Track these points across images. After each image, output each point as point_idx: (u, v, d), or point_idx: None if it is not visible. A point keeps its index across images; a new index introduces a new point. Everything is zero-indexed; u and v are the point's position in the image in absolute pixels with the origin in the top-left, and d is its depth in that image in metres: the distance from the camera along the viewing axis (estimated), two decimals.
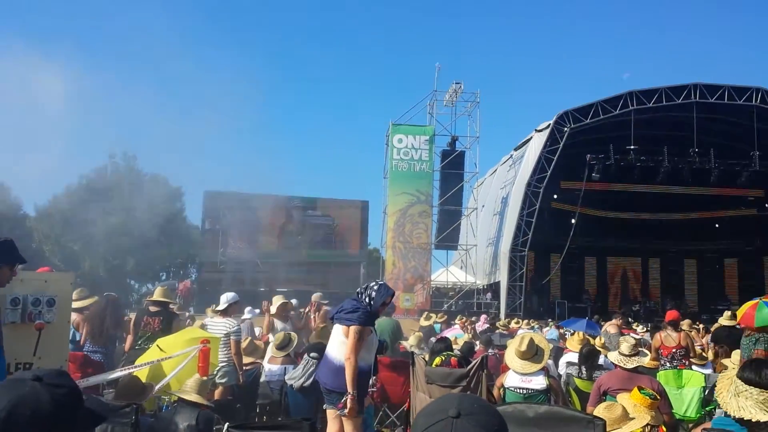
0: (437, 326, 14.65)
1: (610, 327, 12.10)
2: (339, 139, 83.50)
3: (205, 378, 4.68)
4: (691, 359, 7.90)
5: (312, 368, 5.96)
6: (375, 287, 4.87)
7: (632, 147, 21.89)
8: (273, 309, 8.71)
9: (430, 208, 23.45)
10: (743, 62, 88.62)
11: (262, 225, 23.71)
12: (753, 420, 2.43)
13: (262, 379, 7.13)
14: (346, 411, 4.51)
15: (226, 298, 7.25)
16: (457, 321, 15.02)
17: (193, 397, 4.40)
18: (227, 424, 3.75)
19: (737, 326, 8.81)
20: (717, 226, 29.13)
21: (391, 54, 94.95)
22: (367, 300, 4.79)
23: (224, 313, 7.14)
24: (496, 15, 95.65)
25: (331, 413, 4.81)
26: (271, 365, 7.21)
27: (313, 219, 24.39)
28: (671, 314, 8.61)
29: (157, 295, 7.00)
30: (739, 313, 6.12)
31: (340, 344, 4.72)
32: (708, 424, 2.73)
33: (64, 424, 1.29)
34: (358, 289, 5.00)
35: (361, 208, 24.99)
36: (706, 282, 29.43)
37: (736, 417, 2.49)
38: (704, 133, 22.60)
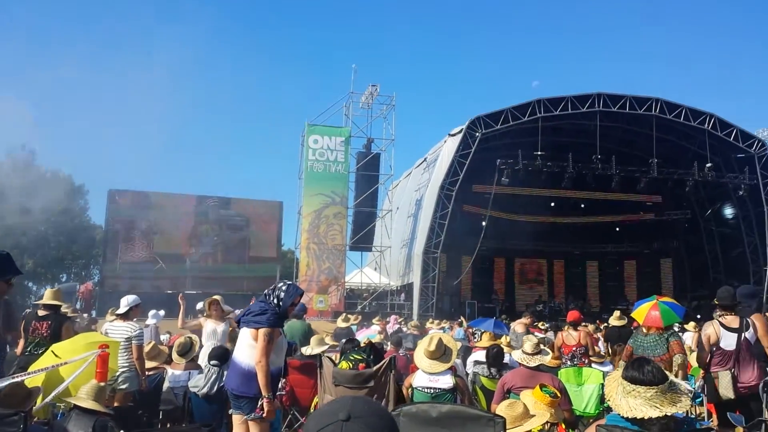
0: (353, 328, 14.62)
1: (518, 326, 12.44)
2: (254, 138, 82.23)
3: (102, 384, 4.41)
4: (590, 357, 8.26)
5: (214, 375, 5.78)
6: (283, 287, 4.75)
7: (540, 153, 22.67)
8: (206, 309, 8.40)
9: (345, 210, 23.41)
10: (644, 74, 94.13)
11: (171, 225, 22.81)
12: (645, 418, 2.51)
13: (166, 384, 6.86)
14: (264, 414, 4.41)
15: (126, 301, 6.92)
16: (376, 321, 15.06)
17: (89, 404, 4.14)
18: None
19: (633, 327, 9.34)
20: (618, 229, 30.73)
21: (308, 54, 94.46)
22: (275, 301, 4.67)
23: (125, 316, 6.81)
24: (413, 20, 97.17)
25: (237, 419, 4.69)
26: (174, 371, 6.95)
27: (227, 219, 23.75)
28: (572, 314, 8.96)
29: (47, 298, 6.59)
30: (638, 315, 6.37)
31: (248, 348, 4.59)
32: (603, 420, 2.82)
33: None
34: (266, 291, 4.87)
35: (275, 209, 24.56)
36: (607, 283, 31.00)
37: (629, 417, 2.57)
38: (607, 141, 23.74)
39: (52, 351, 5.48)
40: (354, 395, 1.41)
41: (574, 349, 8.23)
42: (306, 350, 7.66)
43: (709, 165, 23.74)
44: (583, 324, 10.72)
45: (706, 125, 23.59)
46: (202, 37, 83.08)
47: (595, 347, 8.66)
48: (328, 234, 22.82)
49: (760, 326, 6.18)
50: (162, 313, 12.53)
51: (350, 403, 1.27)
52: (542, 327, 15.56)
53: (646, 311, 6.21)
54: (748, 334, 5.61)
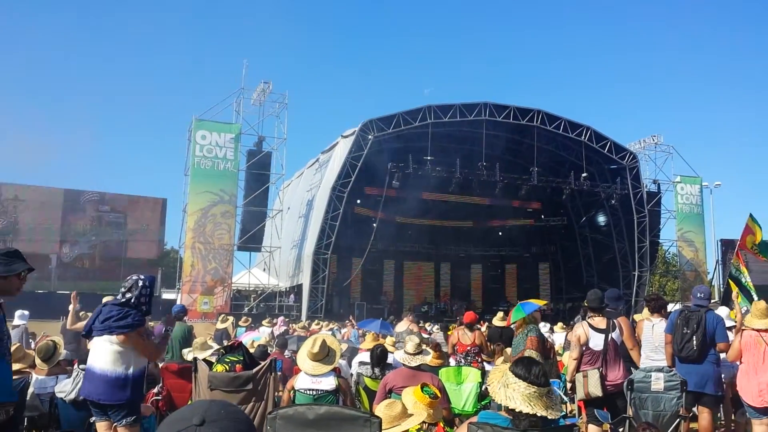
0: (241, 329, 14.28)
1: (400, 326, 12.61)
2: (139, 133, 78.45)
3: None
4: (483, 356, 8.54)
5: (82, 380, 5.43)
6: (140, 283, 4.61)
7: (429, 158, 23.22)
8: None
9: (234, 209, 22.76)
10: (527, 85, 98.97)
11: (34, 221, 21.17)
12: (517, 410, 2.62)
13: (31, 390, 6.37)
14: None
15: None
16: (266, 323, 14.79)
17: None
18: None
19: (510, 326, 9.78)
20: (500, 234, 32.04)
21: (198, 46, 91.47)
22: (135, 300, 4.53)
23: None
24: (309, 20, 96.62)
25: (103, 425, 4.52)
26: (39, 376, 6.47)
27: (104, 215, 22.48)
28: (469, 315, 9.22)
29: None
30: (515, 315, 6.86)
31: (113, 353, 4.44)
32: (475, 418, 2.90)
33: None
34: (121, 290, 4.63)
35: (157, 206, 23.43)
36: (490, 285, 32.24)
37: (503, 406, 2.67)
38: (492, 149, 24.68)
39: None
40: (211, 399, 1.35)
41: (468, 348, 8.48)
42: (186, 353, 7.36)
43: (584, 175, 25.28)
44: (479, 324, 11.10)
45: (583, 137, 25.11)
46: (84, 23, 78.38)
47: (489, 347, 8.96)
48: (215, 233, 22.07)
49: (625, 328, 6.65)
50: (27, 313, 11.67)
51: (205, 407, 1.23)
52: (427, 327, 15.90)
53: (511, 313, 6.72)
54: (614, 335, 6.00)
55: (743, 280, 10.24)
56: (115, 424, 4.48)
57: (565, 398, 6.32)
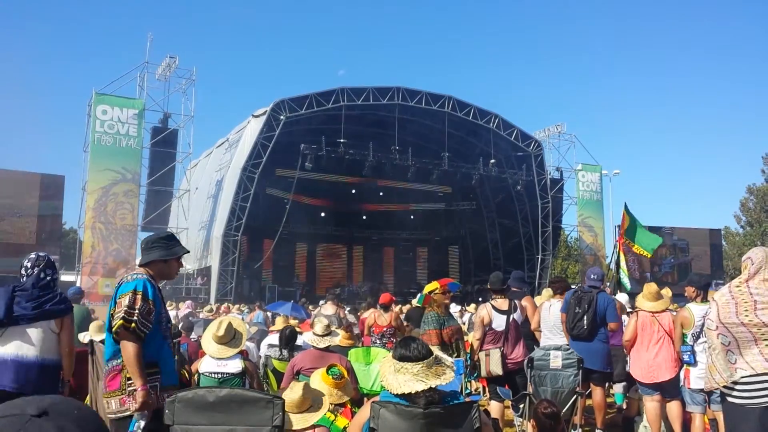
0: None
1: (326, 309, 12.55)
2: (33, 106, 73.64)
3: None
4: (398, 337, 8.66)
5: None
6: (50, 258, 4.37)
7: (342, 140, 23.18)
8: None
9: (138, 188, 21.79)
10: (438, 71, 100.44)
11: None
12: (413, 392, 2.65)
13: None
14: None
15: None
16: (169, 307, 14.27)
17: None
18: None
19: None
20: (412, 217, 32.53)
21: (100, 16, 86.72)
22: (52, 274, 4.29)
23: None
24: None
25: None
26: None
27: None
28: (385, 297, 9.29)
29: None
30: (431, 286, 7.11)
31: (50, 340, 4.11)
32: (377, 397, 2.92)
33: None
34: (34, 265, 4.24)
35: (42, 182, 21.67)
36: (402, 267, 32.73)
37: (398, 394, 2.69)
38: (405, 133, 24.94)
39: None
40: (70, 398, 1.19)
41: (384, 329, 8.56)
42: (83, 337, 7.00)
43: (492, 161, 26.03)
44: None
45: (492, 125, 25.79)
46: None
47: (405, 328, 9.06)
48: (117, 213, 21.06)
49: (529, 307, 6.91)
50: None
51: (56, 401, 1.07)
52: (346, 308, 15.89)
53: (434, 283, 6.89)
54: (516, 315, 6.23)
55: (622, 265, 10.95)
56: None
57: (471, 375, 6.51)
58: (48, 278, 4.25)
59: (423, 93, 24.78)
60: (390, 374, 2.76)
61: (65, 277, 22.45)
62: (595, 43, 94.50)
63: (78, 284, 16.49)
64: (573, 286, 7.33)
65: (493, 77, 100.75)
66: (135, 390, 3.30)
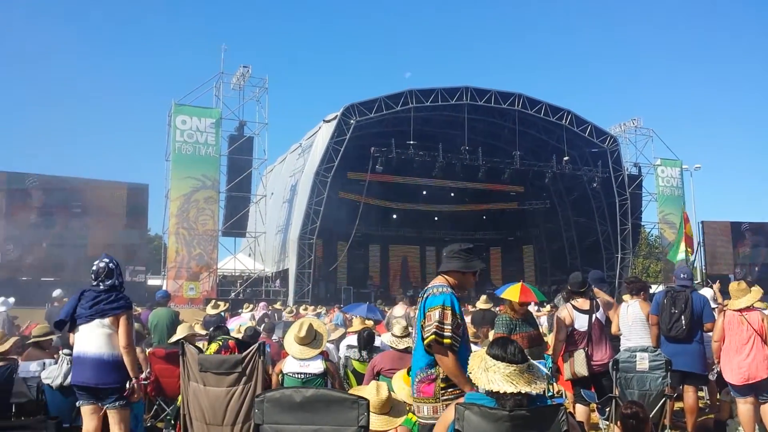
0: (222, 315, 14.27)
1: (397, 310, 12.66)
2: (117, 118, 77.48)
3: None
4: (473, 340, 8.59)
5: (68, 365, 5.43)
6: (112, 264, 4.68)
7: (412, 142, 23.24)
8: None
9: (217, 194, 22.59)
10: (508, 69, 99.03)
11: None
12: (501, 391, 2.66)
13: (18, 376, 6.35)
14: (136, 397, 4.54)
15: None
16: (246, 309, 14.73)
17: None
18: None
19: (498, 311, 9.85)
20: (484, 217, 32.19)
21: (177, 31, 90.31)
22: (116, 281, 4.63)
23: None
24: (286, 4, 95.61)
25: (90, 410, 4.57)
26: (27, 361, 6.46)
27: (54, 204, 21.50)
28: None
29: None
30: (511, 294, 6.50)
31: (104, 337, 4.49)
32: (462, 399, 2.94)
33: None
34: (97, 277, 4.63)
35: (128, 191, 22.73)
36: None
37: (486, 390, 2.71)
38: (474, 133, 24.75)
39: None
40: None
41: None
42: (173, 339, 7.38)
43: (566, 158, 25.46)
44: (464, 307, 11.06)
45: (564, 121, 25.25)
46: (64, 6, 76.99)
47: (472, 329, 9.02)
48: (199, 219, 21.90)
49: (612, 309, 6.69)
50: (12, 300, 11.61)
51: None
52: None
53: (518, 290, 6.49)
54: (598, 315, 6.08)
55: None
56: (105, 407, 4.53)
57: (552, 378, 6.39)
58: (107, 287, 4.59)
59: (492, 92, 24.52)
60: (479, 370, 2.78)
61: (152, 281, 23.57)
62: (670, 34, 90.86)
63: (164, 288, 17.23)
64: (654, 285, 7.08)
65: (563, 73, 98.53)
66: (449, 399, 3.45)
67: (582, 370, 5.83)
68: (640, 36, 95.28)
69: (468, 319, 8.86)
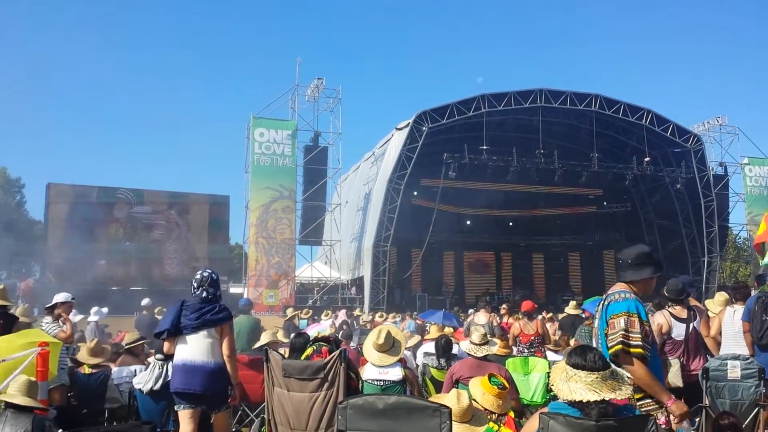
0: (303, 322, 14.59)
1: (479, 317, 12.53)
2: (200, 133, 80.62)
3: (33, 379, 4.22)
4: (547, 346, 8.42)
5: (159, 371, 5.70)
6: (214, 275, 4.96)
7: (485, 147, 23.03)
8: None
9: (294, 204, 23.18)
10: (583, 70, 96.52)
11: (93, 221, 21.64)
12: (584, 401, 2.61)
13: (111, 382, 6.71)
14: (236, 401, 4.90)
15: (55, 298, 6.79)
16: (324, 316, 15.01)
17: (23, 401, 3.91)
18: (60, 431, 3.45)
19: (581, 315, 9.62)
20: (561, 222, 31.46)
21: (253, 45, 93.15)
22: (213, 292, 4.87)
23: (50, 313, 6.70)
24: (357, 14, 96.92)
25: (188, 414, 4.76)
26: (120, 368, 6.81)
27: (143, 217, 22.49)
28: (527, 305, 9.09)
29: None
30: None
31: (209, 346, 4.73)
32: (546, 408, 2.90)
33: None
34: (200, 285, 4.89)
35: (210, 203, 23.62)
36: (553, 274, 31.69)
37: (569, 400, 2.67)
38: (549, 135, 24.27)
39: None
40: None
41: (532, 338, 8.40)
42: (256, 345, 7.63)
43: (647, 159, 24.57)
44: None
45: (644, 121, 24.40)
46: (148, 27, 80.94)
47: (552, 336, 8.85)
48: (277, 228, 22.55)
49: (700, 316, 6.41)
50: (105, 310, 12.24)
51: None
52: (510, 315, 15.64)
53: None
54: (695, 324, 5.84)
55: None
56: (214, 413, 4.80)
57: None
58: (210, 295, 4.85)
59: (567, 93, 24.01)
60: (561, 381, 2.74)
61: (234, 289, 24.35)
62: (754, 29, 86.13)
63: (245, 296, 17.76)
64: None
65: (641, 72, 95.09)
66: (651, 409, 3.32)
67: (676, 380, 5.61)
68: (721, 32, 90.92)
69: (553, 326, 8.67)
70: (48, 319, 6.63)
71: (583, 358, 2.71)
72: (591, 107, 24.06)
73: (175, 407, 4.89)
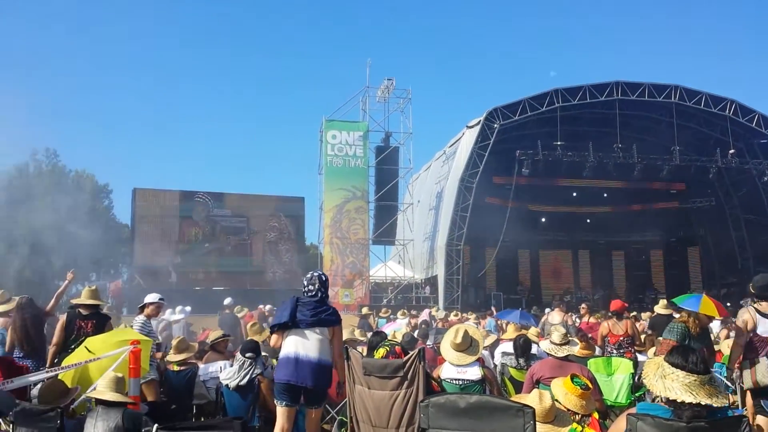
0: (382, 320, 14.73)
1: (553, 317, 12.34)
2: (274, 136, 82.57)
3: (120, 375, 4.43)
4: (637, 348, 8.15)
5: (249, 368, 5.89)
6: (324, 277, 5.21)
7: (559, 143, 22.54)
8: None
9: (367, 204, 23.45)
10: (661, 60, 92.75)
11: (174, 223, 22.45)
12: (678, 400, 2.54)
13: (198, 379, 6.98)
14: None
15: (146, 298, 7.12)
16: (401, 315, 15.09)
17: (112, 396, 4.07)
18: (156, 426, 3.62)
19: (673, 315, 9.23)
20: (641, 218, 30.36)
21: (323, 49, 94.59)
22: (325, 293, 5.14)
23: (141, 312, 7.04)
24: (424, 13, 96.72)
25: (287, 411, 4.95)
26: (206, 364, 7.08)
27: (222, 220, 23.07)
28: (616, 304, 8.80)
29: (86, 297, 6.68)
30: (708, 309, 5.94)
31: (321, 344, 4.93)
32: (633, 409, 2.83)
33: None
34: (313, 287, 5.12)
35: (286, 205, 23.97)
36: (634, 272, 30.63)
37: (663, 397, 2.60)
38: (627, 129, 23.50)
39: (86, 347, 5.57)
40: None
41: (621, 338, 8.15)
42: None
43: (731, 151, 23.43)
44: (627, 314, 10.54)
45: (727, 111, 23.29)
46: (220, 33, 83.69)
47: (641, 337, 8.55)
48: (351, 228, 22.88)
49: None
50: (188, 308, 12.72)
51: None
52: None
53: (712, 304, 5.97)
54: None
55: None
56: (314, 408, 5.00)
57: (731, 385, 5.90)
58: (321, 294, 5.10)
59: (645, 85, 23.17)
60: (656, 377, 2.67)
61: None
62: None
63: None
64: None
65: (722, 61, 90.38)
66: None
67: (765, 378, 5.34)
68: None
69: (640, 326, 8.39)
70: (139, 317, 6.96)
71: (685, 359, 2.64)
72: (671, 99, 23.15)
73: (276, 401, 5.05)
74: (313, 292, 5.09)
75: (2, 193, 27.88)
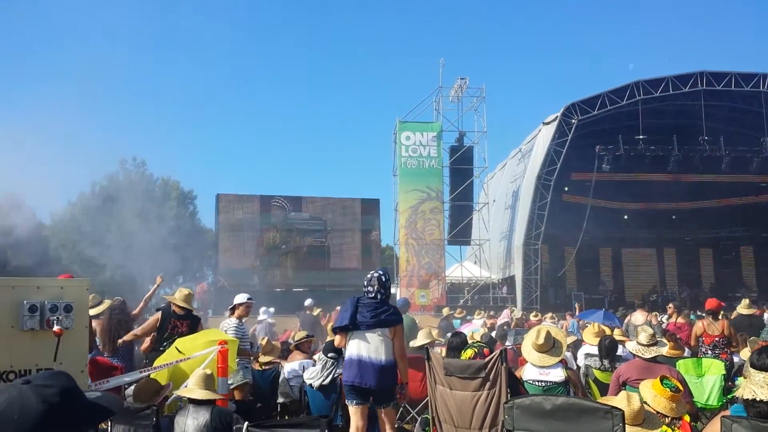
0: (457, 321, 14.68)
1: (636, 318, 11.99)
2: (348, 139, 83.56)
3: (208, 372, 4.61)
4: (733, 349, 7.78)
5: (331, 368, 6.00)
6: (385, 277, 5.18)
7: (641, 137, 21.80)
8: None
9: (442, 204, 23.36)
10: (748, 48, 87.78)
11: (255, 227, 22.87)
12: (757, 399, 2.45)
13: (283, 378, 7.16)
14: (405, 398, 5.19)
15: (235, 299, 7.33)
16: (477, 315, 14.98)
17: (202, 394, 4.21)
18: (246, 423, 3.75)
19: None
20: (730, 213, 28.87)
21: (396, 50, 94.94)
22: (385, 293, 5.09)
23: (231, 313, 7.23)
24: (497, 9, 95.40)
25: (359, 409, 5.00)
26: (290, 364, 7.26)
27: (299, 223, 23.23)
28: (712, 302, 8.42)
29: (181, 299, 6.97)
30: None
31: (383, 344, 4.93)
32: (727, 412, 2.72)
33: (57, 420, 1.38)
34: (372, 288, 5.11)
35: (361, 206, 24.09)
36: (723, 270, 29.13)
37: (747, 398, 2.51)
38: (713, 121, 22.43)
39: (176, 347, 5.83)
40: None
41: (716, 339, 7.81)
42: (413, 343, 7.81)
43: None
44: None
45: None
46: (295, 39, 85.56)
47: (738, 338, 8.16)
48: (426, 229, 22.86)
49: None
50: (272, 309, 13.07)
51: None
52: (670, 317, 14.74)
53: None
54: None
55: None
56: (383, 407, 5.01)
57: None
58: (381, 296, 5.07)
59: (731, 74, 22.05)
60: (753, 382, 2.57)
61: None
62: None
63: (398, 296, 18.18)
64: None
65: None
66: None
67: None
68: None
69: (721, 325, 8.01)
70: (232, 320, 7.13)
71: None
72: (759, 88, 21.94)
73: (346, 401, 5.14)
74: (373, 293, 5.08)
75: (95, 200, 29.61)
